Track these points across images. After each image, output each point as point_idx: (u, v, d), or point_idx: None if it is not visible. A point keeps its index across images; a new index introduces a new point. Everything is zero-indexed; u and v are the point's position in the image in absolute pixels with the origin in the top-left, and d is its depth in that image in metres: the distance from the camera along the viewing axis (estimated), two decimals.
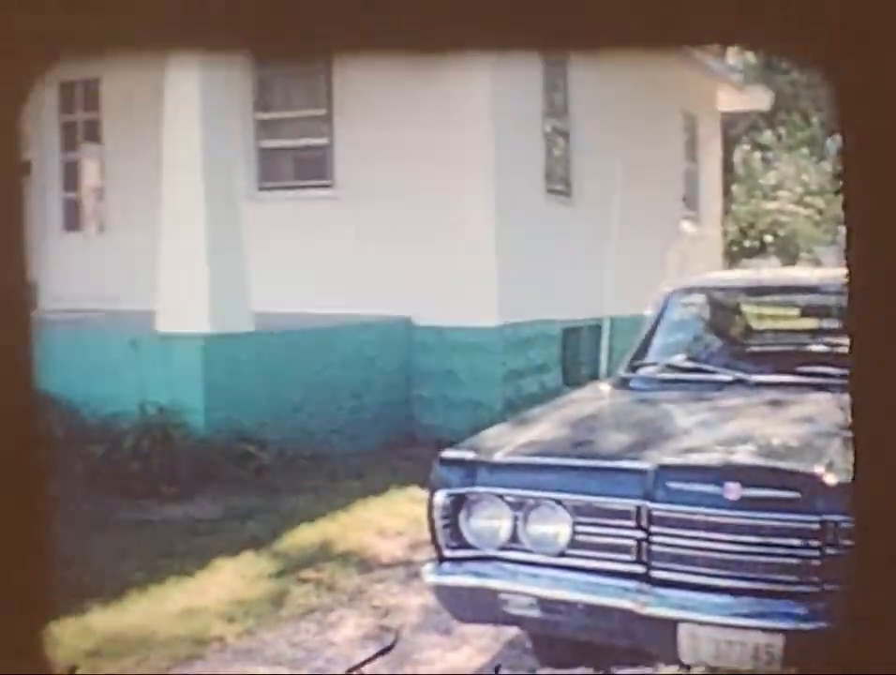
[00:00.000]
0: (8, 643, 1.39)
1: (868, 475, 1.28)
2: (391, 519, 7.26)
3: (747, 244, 24.47)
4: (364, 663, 4.85)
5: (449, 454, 4.69)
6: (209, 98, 9.25)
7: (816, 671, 1.71)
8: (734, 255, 23.15)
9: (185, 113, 9.24)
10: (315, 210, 11.16)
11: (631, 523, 4.15)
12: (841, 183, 1.30)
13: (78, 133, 12.75)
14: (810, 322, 6.81)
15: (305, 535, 7.01)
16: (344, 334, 10.13)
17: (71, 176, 12.90)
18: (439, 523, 4.58)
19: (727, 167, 21.51)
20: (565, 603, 4.28)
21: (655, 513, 4.10)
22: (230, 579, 6.19)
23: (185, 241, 9.24)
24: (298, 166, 11.70)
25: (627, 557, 4.17)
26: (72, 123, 12.74)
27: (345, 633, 5.51)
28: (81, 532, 7.07)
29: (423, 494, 5.84)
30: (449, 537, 4.56)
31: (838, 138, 1.32)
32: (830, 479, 3.84)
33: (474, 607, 4.56)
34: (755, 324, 7.26)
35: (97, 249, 12.43)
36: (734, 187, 24.16)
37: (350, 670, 4.72)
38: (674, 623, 3.99)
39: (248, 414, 8.99)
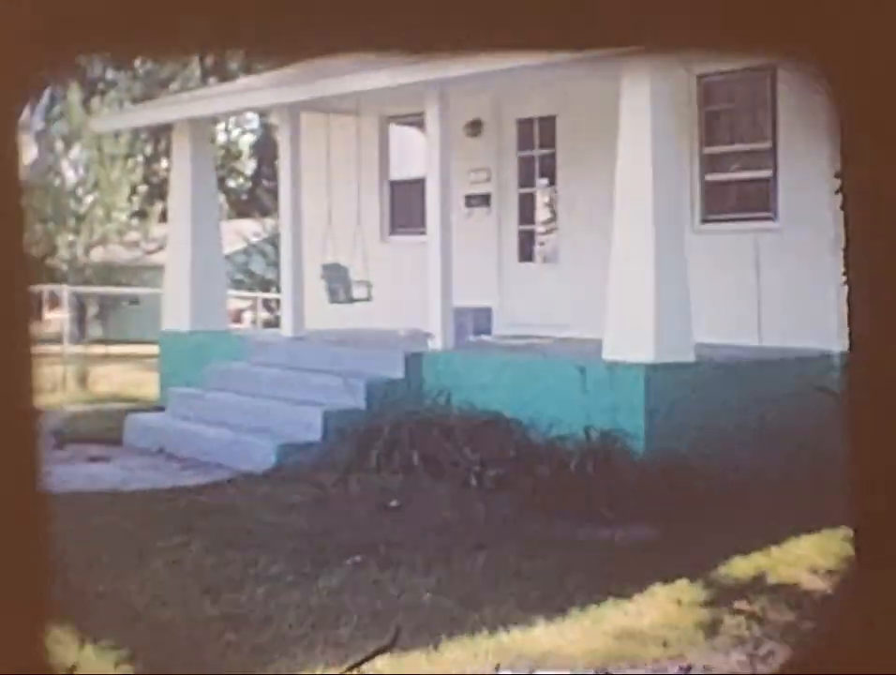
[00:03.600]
0: (8, 643, 1.42)
1: (867, 477, 1.23)
2: (823, 558, 7.22)
3: None
4: (363, 661, 4.88)
5: None
6: (661, 134, 9.60)
7: (816, 671, 1.60)
8: None
9: (637, 148, 9.63)
10: (756, 242, 11.19)
11: None
12: (840, 184, 1.26)
13: (534, 168, 13.50)
14: None
15: (737, 566, 7.12)
16: (780, 367, 10.10)
17: (527, 209, 13.67)
18: None
19: None
20: None
21: None
22: (664, 604, 6.43)
23: (633, 273, 9.62)
24: (741, 198, 11.78)
25: None
26: (529, 158, 13.50)
27: (775, 668, 5.60)
28: (525, 548, 7.58)
29: None
30: None
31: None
32: None
33: None
34: None
35: (548, 279, 13.10)
36: None
37: (349, 669, 4.77)
38: None
39: (686, 443, 9.21)
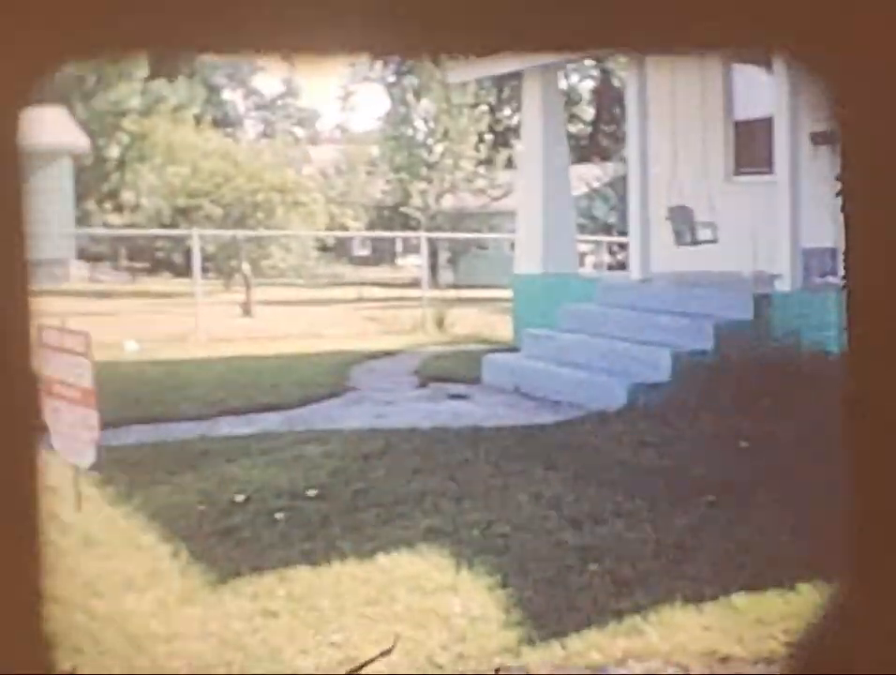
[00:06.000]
0: (8, 643, 1.36)
1: (867, 480, 1.18)
2: None
3: None
4: (364, 664, 4.70)
5: None
6: None
7: (815, 671, 1.50)
8: None
9: None
10: None
11: None
12: (840, 184, 1.19)
13: None
14: None
15: None
16: None
17: None
18: None
19: None
20: None
21: None
22: None
23: None
24: None
25: None
26: None
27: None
28: None
29: None
30: None
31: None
32: None
33: None
34: None
35: None
36: None
37: (350, 671, 4.60)
38: None
39: None
